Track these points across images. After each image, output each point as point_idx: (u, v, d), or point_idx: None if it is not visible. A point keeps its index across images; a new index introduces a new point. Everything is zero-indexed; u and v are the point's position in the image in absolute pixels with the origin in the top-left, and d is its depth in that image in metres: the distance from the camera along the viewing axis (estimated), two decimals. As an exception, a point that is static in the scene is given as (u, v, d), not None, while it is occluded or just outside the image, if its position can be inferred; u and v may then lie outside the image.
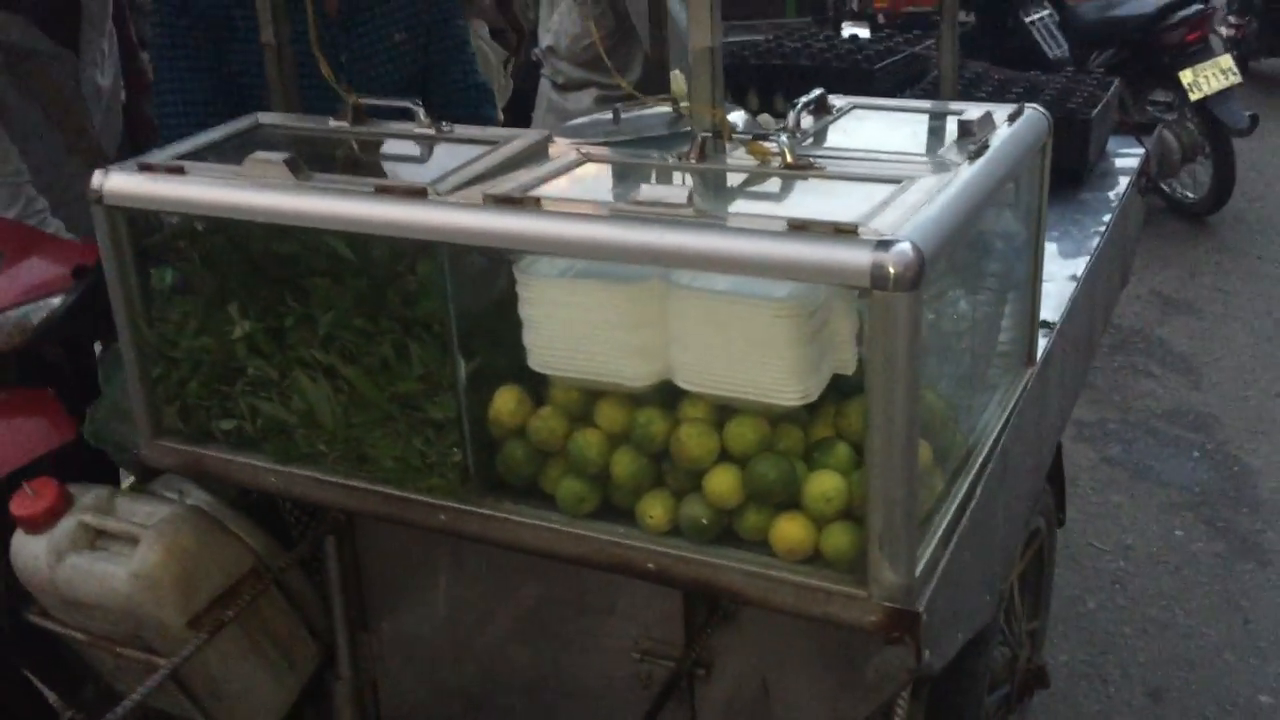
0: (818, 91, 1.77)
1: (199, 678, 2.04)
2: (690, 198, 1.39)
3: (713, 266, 1.36)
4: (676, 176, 1.54)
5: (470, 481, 1.62)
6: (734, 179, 1.55)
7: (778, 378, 1.40)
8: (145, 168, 1.69)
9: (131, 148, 3.13)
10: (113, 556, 1.97)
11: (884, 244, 1.26)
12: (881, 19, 8.30)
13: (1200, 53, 6.14)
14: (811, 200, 1.48)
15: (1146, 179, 3.05)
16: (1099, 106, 2.87)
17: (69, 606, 2.03)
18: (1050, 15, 6.89)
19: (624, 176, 1.62)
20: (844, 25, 6.67)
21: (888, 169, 1.53)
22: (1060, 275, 2.26)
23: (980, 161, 1.54)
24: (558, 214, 1.44)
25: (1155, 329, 5.18)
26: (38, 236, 2.24)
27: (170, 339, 1.75)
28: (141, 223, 1.76)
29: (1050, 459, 2.18)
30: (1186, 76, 6.05)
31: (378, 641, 2.22)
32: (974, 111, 1.66)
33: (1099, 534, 3.73)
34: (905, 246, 1.26)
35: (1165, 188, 6.53)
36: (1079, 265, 2.31)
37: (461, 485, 1.62)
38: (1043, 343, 1.95)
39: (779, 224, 1.32)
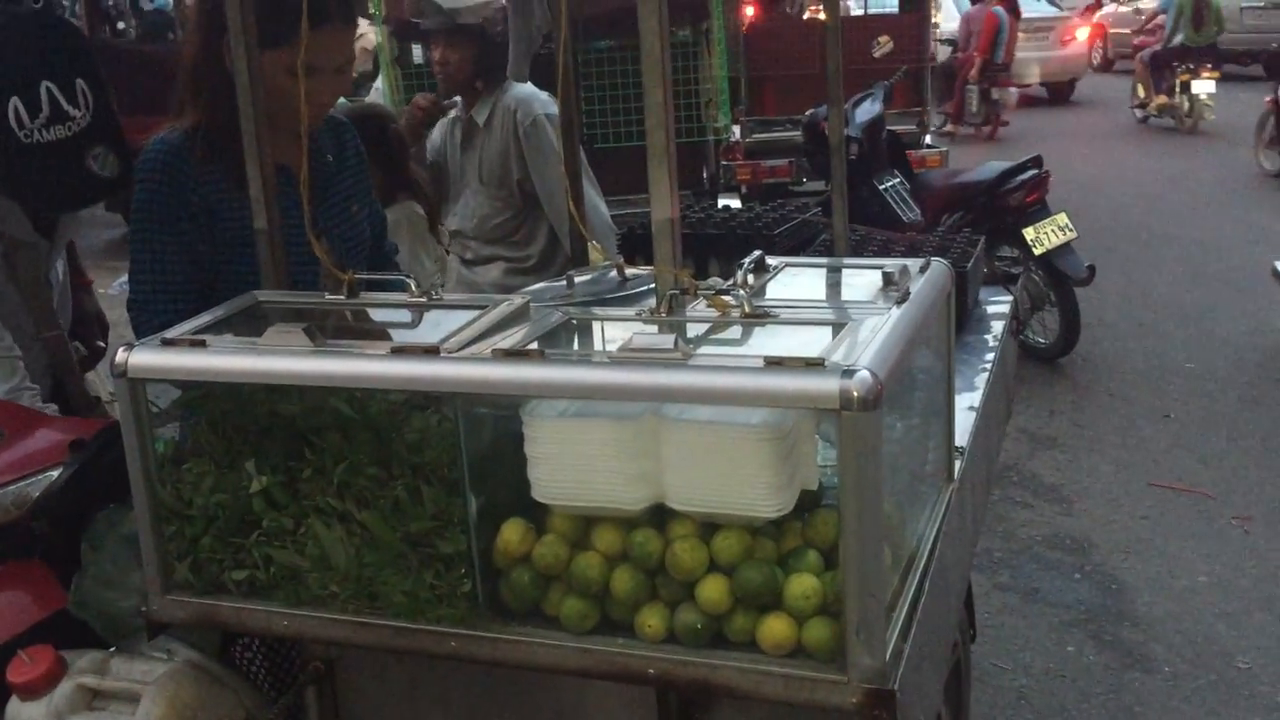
0: (757, 253, 2.05)
1: (195, 831, 2.11)
2: (676, 343, 1.63)
3: (704, 400, 1.59)
4: (654, 328, 1.77)
5: (478, 609, 1.79)
6: (702, 328, 1.80)
7: (759, 493, 1.63)
8: (168, 343, 1.86)
9: (74, 338, 3.27)
10: (112, 716, 2.06)
11: (848, 372, 1.52)
12: (744, 190, 8.90)
13: (1039, 212, 6.76)
14: (774, 342, 1.73)
15: (1017, 323, 3.41)
16: (972, 260, 3.24)
17: (65, 769, 2.09)
18: (901, 183, 7.48)
19: (605, 330, 1.86)
20: (719, 200, 7.18)
21: (831, 314, 1.80)
22: (961, 407, 2.55)
23: (906, 305, 1.83)
24: (563, 362, 1.67)
25: (1026, 463, 5.58)
26: (35, 416, 2.36)
27: (186, 498, 1.89)
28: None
29: (970, 568, 2.43)
30: (1029, 234, 6.64)
31: (358, 789, 2.31)
32: (892, 265, 1.95)
33: (1000, 654, 4.00)
34: (865, 374, 1.52)
35: (1019, 335, 7.07)
36: (975, 398, 2.62)
37: (470, 613, 1.79)
38: (957, 464, 2.22)
39: (757, 361, 1.57)
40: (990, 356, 2.95)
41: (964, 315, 3.18)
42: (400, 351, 1.74)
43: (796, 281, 2.07)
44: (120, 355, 1.86)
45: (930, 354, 2.06)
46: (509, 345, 1.73)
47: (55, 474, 2.19)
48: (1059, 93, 18.51)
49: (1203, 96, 14.54)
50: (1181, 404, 6.23)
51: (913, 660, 1.68)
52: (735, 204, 6.61)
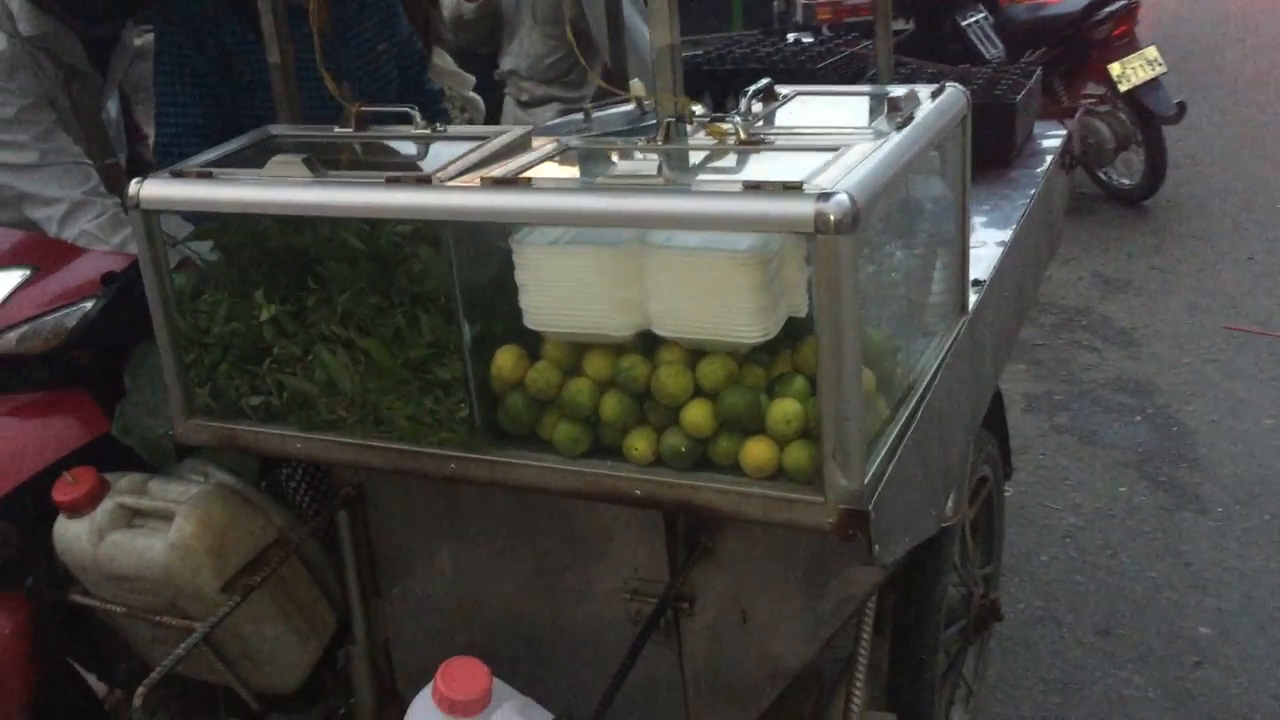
0: (765, 81, 2.01)
1: (231, 641, 2.24)
2: (660, 170, 1.62)
3: (683, 225, 1.60)
4: (646, 156, 1.77)
5: (476, 433, 1.84)
6: (696, 155, 1.79)
7: (741, 319, 1.64)
8: (177, 174, 1.91)
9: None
10: (149, 532, 2.18)
11: (825, 196, 1.50)
12: (826, 30, 8.62)
13: (1127, 45, 6.47)
14: (763, 167, 1.72)
15: (1070, 157, 3.31)
16: (1022, 93, 3.13)
17: (110, 582, 2.23)
18: (985, 18, 7.21)
19: (600, 159, 1.85)
20: (790, 36, 6.96)
21: (827, 140, 1.77)
22: (991, 241, 2.52)
23: (906, 130, 1.79)
24: (548, 190, 1.68)
25: (1097, 306, 5.47)
26: (69, 249, 2.45)
27: (202, 327, 1.96)
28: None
29: (987, 402, 2.42)
30: (1115, 69, 6.37)
31: (389, 607, 2.43)
32: (900, 90, 1.91)
33: (1050, 495, 4.00)
34: (843, 197, 1.50)
35: (1102, 175, 6.85)
36: (1007, 233, 2.57)
37: (469, 437, 1.84)
38: (973, 296, 2.20)
39: (737, 186, 1.56)
40: (1033, 191, 2.87)
41: (1010, 149, 3.10)
42: (394, 181, 1.77)
43: (804, 110, 2.03)
44: (133, 187, 1.91)
45: (940, 182, 2.02)
46: (500, 173, 1.74)
47: (89, 305, 2.28)
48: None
49: None
50: (1266, 247, 6.02)
51: (894, 485, 1.70)
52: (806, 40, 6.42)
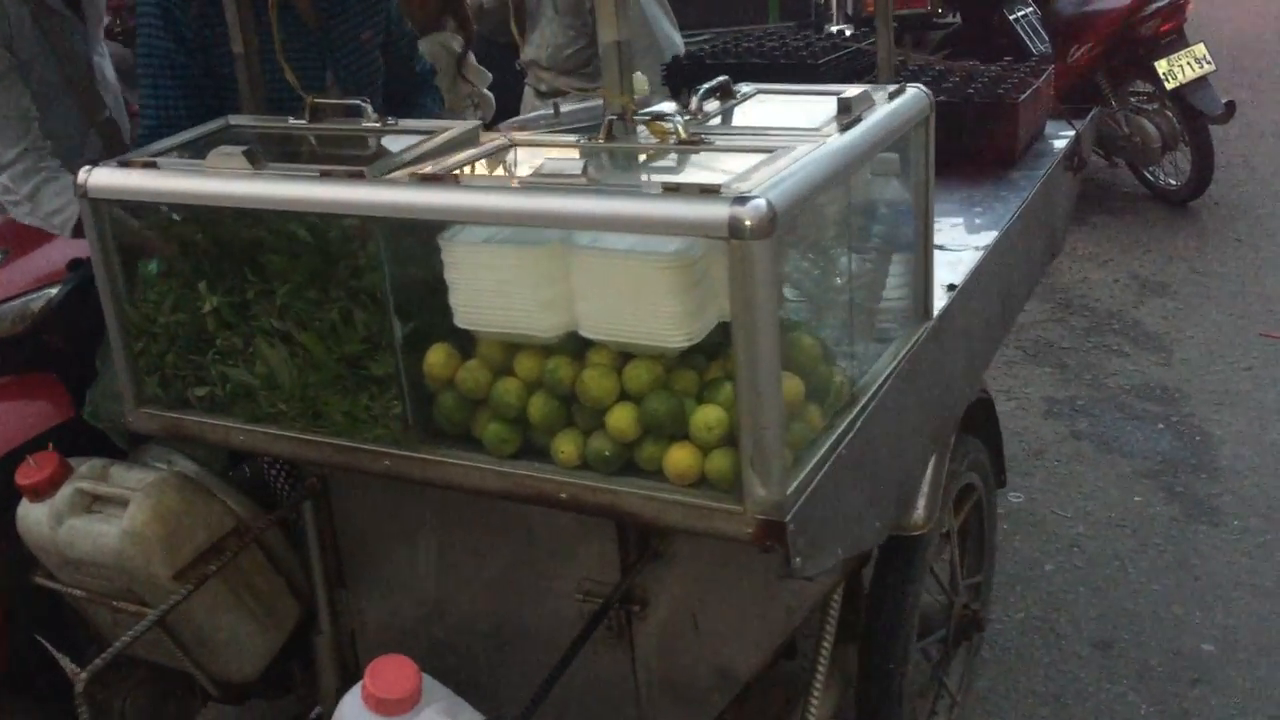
0: (721, 78, 1.97)
1: (187, 627, 2.26)
2: (585, 169, 1.59)
3: (601, 226, 1.57)
4: (585, 154, 1.74)
5: (410, 430, 1.83)
6: (632, 155, 1.76)
7: (665, 324, 1.60)
8: (124, 164, 1.91)
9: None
10: (106, 518, 2.19)
11: (740, 200, 1.46)
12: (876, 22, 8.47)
13: (1174, 43, 6.30)
14: (694, 169, 1.68)
15: (1078, 158, 3.22)
16: (1027, 92, 3.05)
17: (69, 566, 2.25)
18: (1033, 12, 7.06)
19: (539, 157, 1.83)
20: (828, 28, 6.84)
21: (767, 141, 1.73)
22: (973, 245, 2.45)
23: (850, 133, 1.74)
24: (470, 188, 1.66)
25: (1130, 311, 5.34)
26: (38, 235, 2.47)
27: (150, 316, 1.97)
28: (127, 215, 1.99)
29: (959, 410, 2.36)
30: (1161, 66, 6.20)
31: (354, 598, 2.43)
32: (853, 91, 1.86)
33: (1061, 503, 3.90)
34: (760, 202, 1.46)
35: (1148, 175, 6.69)
36: (991, 236, 2.50)
37: (402, 434, 1.83)
38: (941, 302, 2.13)
39: (656, 188, 1.53)
40: (1028, 194, 2.80)
41: (1014, 149, 3.02)
42: (327, 175, 1.75)
43: (759, 109, 1.98)
44: (81, 175, 1.91)
45: (900, 186, 1.97)
46: (431, 170, 1.72)
47: (54, 291, 2.30)
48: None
49: None
50: (1314, 252, 5.85)
51: (824, 495, 1.66)
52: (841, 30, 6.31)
